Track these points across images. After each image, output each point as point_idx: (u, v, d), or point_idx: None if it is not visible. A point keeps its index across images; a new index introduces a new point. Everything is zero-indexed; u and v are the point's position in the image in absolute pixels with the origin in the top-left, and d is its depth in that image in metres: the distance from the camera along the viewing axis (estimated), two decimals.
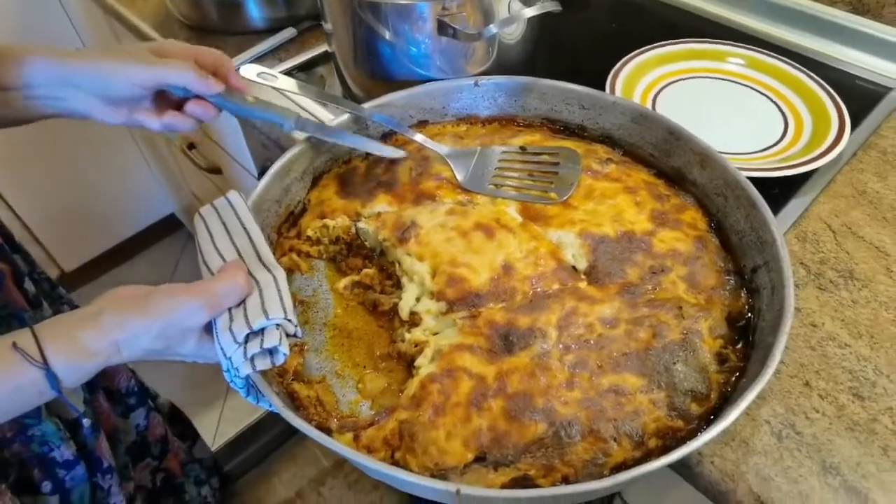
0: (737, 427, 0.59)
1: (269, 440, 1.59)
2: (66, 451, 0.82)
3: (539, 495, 0.47)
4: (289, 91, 0.84)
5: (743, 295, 0.64)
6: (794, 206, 0.80)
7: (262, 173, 0.71)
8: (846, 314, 0.69)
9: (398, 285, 0.67)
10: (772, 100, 0.94)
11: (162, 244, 2.24)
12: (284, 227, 0.74)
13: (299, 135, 0.73)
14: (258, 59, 1.08)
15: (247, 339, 0.54)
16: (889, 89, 0.98)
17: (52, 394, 0.52)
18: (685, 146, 0.74)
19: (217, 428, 1.69)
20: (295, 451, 1.59)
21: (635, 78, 0.96)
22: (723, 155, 0.70)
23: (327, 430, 0.57)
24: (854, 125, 0.88)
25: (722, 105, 0.94)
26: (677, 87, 0.97)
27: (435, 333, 0.62)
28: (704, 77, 0.98)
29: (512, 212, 0.71)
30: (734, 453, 0.57)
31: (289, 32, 1.12)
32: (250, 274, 0.59)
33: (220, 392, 1.79)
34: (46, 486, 0.81)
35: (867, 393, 0.62)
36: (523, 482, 0.52)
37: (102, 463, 0.90)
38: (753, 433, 0.59)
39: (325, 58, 1.08)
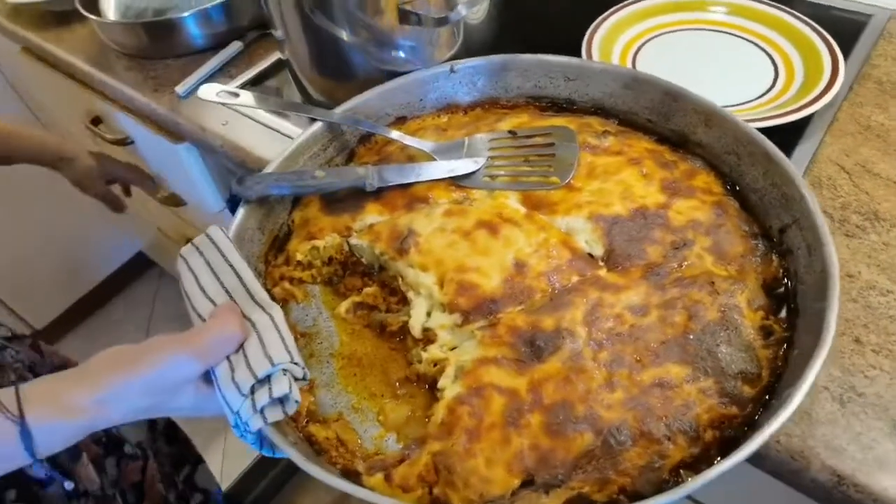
0: None
1: (282, 469, 1.53)
2: (39, 471, 0.77)
3: None
4: (253, 107, 0.78)
5: (774, 258, 0.60)
6: (802, 153, 0.76)
7: (230, 200, 0.64)
8: (880, 259, 0.65)
9: (404, 301, 0.61)
10: (759, 45, 0.89)
11: (136, 284, 2.14)
12: (271, 255, 0.67)
13: (321, 172, 0.66)
14: (208, 80, 1.00)
15: (252, 389, 0.49)
16: (869, 16, 0.94)
17: (26, 457, 0.48)
18: (685, 106, 0.69)
19: (223, 464, 1.61)
20: (312, 478, 1.53)
21: (612, 38, 0.90)
22: (728, 110, 0.65)
23: (355, 473, 0.52)
24: (844, 59, 0.84)
25: (706, 57, 0.89)
26: (656, 43, 0.92)
27: (453, 348, 0.57)
28: (685, 29, 0.93)
29: (513, 203, 0.66)
30: (798, 428, 0.53)
31: (235, 47, 1.04)
32: (245, 316, 0.53)
33: (223, 422, 1.72)
34: (10, 493, 0.75)
35: None
36: (580, 502, 0.47)
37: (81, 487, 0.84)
38: (814, 403, 0.54)
39: (279, 66, 1.00)
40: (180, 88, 0.98)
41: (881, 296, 0.62)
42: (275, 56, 1.01)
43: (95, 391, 0.48)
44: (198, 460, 1.21)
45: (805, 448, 0.52)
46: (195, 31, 1.04)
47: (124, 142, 1.18)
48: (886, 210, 0.69)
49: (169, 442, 1.13)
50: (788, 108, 0.77)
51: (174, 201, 1.26)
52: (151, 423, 1.06)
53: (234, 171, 0.94)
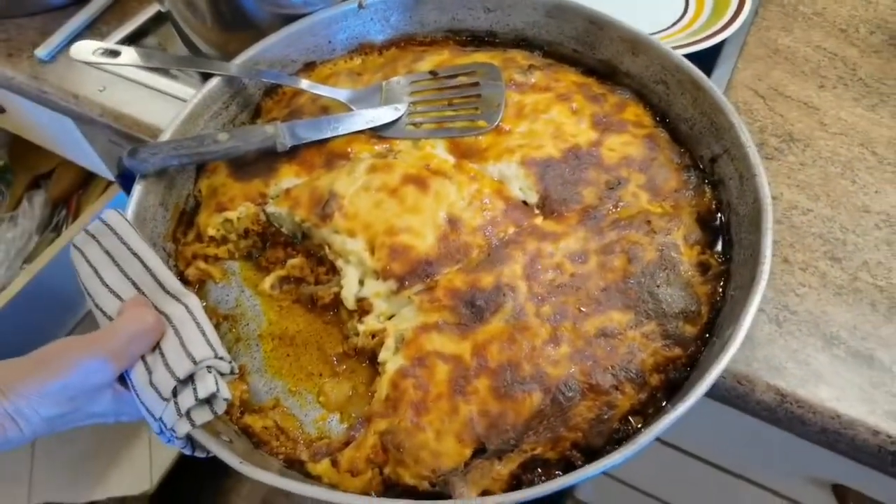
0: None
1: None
2: None
3: (563, 485, 0.42)
4: (139, 66, 0.68)
5: (707, 190, 0.59)
6: (716, 80, 0.75)
7: (123, 175, 0.57)
8: (799, 178, 0.66)
9: (334, 271, 0.57)
10: None
11: None
12: (180, 232, 0.61)
13: (224, 135, 0.59)
14: (75, 39, 0.84)
15: (174, 391, 0.44)
16: None
17: None
18: (611, 34, 0.66)
19: (151, 456, 1.50)
20: None
21: None
22: (655, 37, 0.63)
23: (299, 462, 0.49)
24: None
25: None
26: None
27: (390, 317, 0.54)
28: None
29: (441, 153, 0.62)
30: (741, 353, 0.53)
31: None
32: (158, 309, 0.48)
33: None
34: None
35: (841, 253, 0.60)
36: (533, 464, 0.47)
37: None
38: (753, 325, 0.55)
39: (159, 20, 0.88)
40: (41, 51, 0.83)
41: (802, 214, 0.63)
42: (153, 9, 0.89)
43: (6, 400, 0.42)
44: None
45: (749, 372, 0.53)
46: None
47: None
48: (800, 131, 0.70)
49: None
50: (701, 36, 0.76)
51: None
52: None
53: (121, 144, 0.83)
